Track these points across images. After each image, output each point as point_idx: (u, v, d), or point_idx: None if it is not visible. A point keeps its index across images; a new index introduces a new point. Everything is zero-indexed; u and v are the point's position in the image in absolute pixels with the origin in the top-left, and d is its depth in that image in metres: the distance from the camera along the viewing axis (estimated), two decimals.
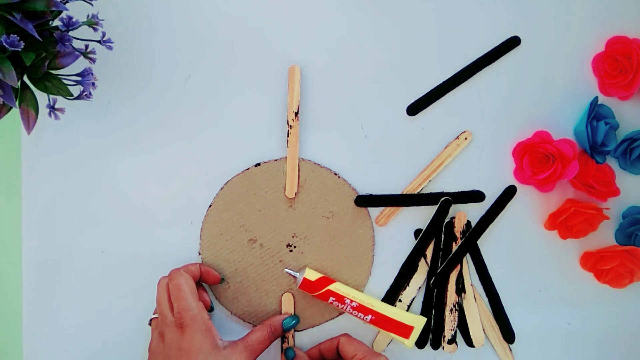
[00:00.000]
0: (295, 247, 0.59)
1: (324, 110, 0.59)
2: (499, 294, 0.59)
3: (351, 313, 0.57)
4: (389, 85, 0.59)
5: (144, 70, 0.59)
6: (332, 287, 0.56)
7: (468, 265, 0.59)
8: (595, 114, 0.58)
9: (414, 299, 0.59)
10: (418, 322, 0.57)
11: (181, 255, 0.59)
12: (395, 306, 0.59)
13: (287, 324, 0.57)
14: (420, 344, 0.59)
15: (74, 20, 0.49)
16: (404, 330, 0.56)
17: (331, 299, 0.56)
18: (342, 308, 0.57)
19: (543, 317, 0.60)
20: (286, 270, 0.58)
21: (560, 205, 0.58)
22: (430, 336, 0.59)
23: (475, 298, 0.59)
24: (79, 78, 0.51)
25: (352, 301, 0.56)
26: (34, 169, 0.59)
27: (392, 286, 0.59)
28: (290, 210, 0.59)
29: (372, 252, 0.59)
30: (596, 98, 0.58)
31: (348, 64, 0.59)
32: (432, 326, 0.59)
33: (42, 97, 0.50)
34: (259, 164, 0.59)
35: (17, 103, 0.49)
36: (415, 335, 0.57)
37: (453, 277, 0.59)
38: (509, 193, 0.59)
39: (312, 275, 0.57)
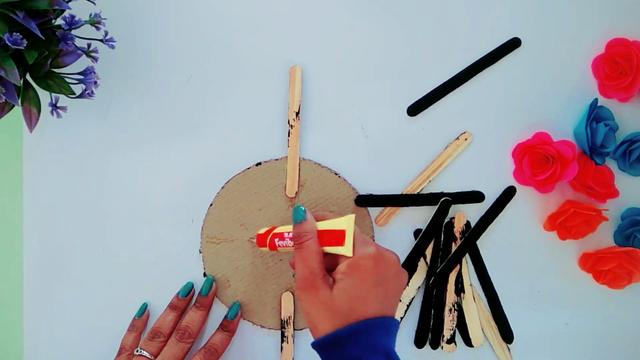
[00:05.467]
0: None
1: (325, 110, 0.59)
2: (498, 294, 0.60)
3: (292, 246, 0.52)
4: (389, 86, 0.59)
5: (146, 69, 0.59)
6: (275, 230, 0.53)
7: (467, 266, 0.59)
8: (595, 115, 0.58)
9: (413, 298, 0.59)
10: (347, 223, 0.49)
11: (182, 254, 0.59)
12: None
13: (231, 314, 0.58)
14: (419, 343, 0.59)
15: (76, 19, 0.49)
16: (338, 238, 0.49)
17: (276, 241, 0.52)
18: (285, 245, 0.52)
19: (541, 317, 0.60)
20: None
21: (559, 207, 0.59)
22: (430, 336, 0.59)
23: (474, 298, 0.59)
24: (81, 77, 0.51)
25: (289, 233, 0.52)
26: (36, 167, 0.59)
27: None
28: (291, 210, 0.59)
29: None
30: (596, 100, 0.58)
31: (349, 64, 0.59)
32: (431, 326, 0.59)
33: (44, 96, 0.51)
34: (259, 164, 0.59)
35: (19, 101, 0.49)
36: (349, 238, 0.49)
37: (452, 277, 0.59)
38: (509, 194, 0.59)
39: (262, 230, 0.54)
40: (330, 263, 0.49)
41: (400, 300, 0.59)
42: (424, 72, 0.59)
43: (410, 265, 0.59)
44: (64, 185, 0.59)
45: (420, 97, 0.59)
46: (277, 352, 0.59)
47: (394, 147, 0.59)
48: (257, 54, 0.59)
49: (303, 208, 0.51)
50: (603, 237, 0.60)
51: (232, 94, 0.59)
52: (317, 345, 0.46)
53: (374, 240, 0.59)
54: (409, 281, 0.59)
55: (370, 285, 0.47)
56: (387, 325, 0.46)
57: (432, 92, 0.59)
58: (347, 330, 0.45)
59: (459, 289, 0.59)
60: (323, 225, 0.50)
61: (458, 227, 0.59)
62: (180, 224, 0.59)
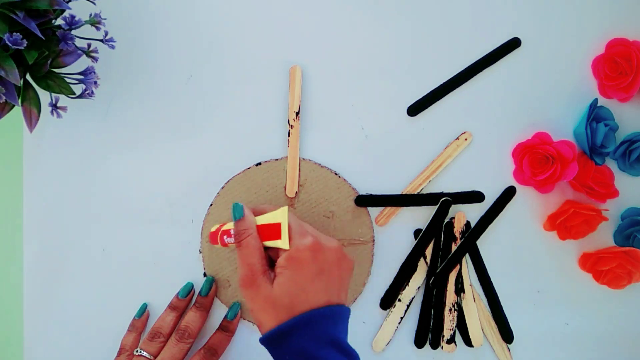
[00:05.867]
0: None
1: (325, 110, 0.59)
2: (498, 294, 0.60)
3: (234, 243, 0.51)
4: (389, 86, 0.59)
5: (145, 69, 0.59)
6: (223, 228, 0.52)
7: (467, 266, 0.59)
8: (595, 115, 0.58)
9: (413, 298, 0.59)
10: (282, 215, 0.49)
11: (182, 254, 0.59)
12: (395, 306, 0.59)
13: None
14: (419, 343, 0.59)
15: (76, 19, 0.49)
16: (275, 232, 0.49)
17: (224, 238, 0.51)
18: (232, 242, 0.51)
19: (541, 317, 0.60)
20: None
21: (559, 207, 0.59)
22: (430, 336, 0.59)
23: (474, 298, 0.59)
24: (81, 77, 0.51)
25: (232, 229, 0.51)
26: (36, 167, 0.59)
27: (391, 286, 0.59)
28: (291, 210, 0.59)
29: (371, 252, 0.59)
30: (596, 100, 0.58)
31: (349, 64, 0.59)
32: (431, 326, 0.59)
33: (44, 96, 0.51)
34: (259, 164, 0.59)
35: (19, 101, 0.49)
36: (284, 231, 0.49)
37: (452, 277, 0.59)
38: (509, 194, 0.59)
39: (213, 227, 0.54)
40: (276, 257, 0.49)
41: (400, 300, 0.59)
42: (424, 72, 0.59)
43: (410, 265, 0.59)
44: (64, 185, 0.59)
45: (420, 97, 0.59)
46: None
47: (394, 147, 0.59)
48: (257, 54, 0.59)
49: (241, 205, 0.50)
50: (603, 237, 0.60)
51: (232, 94, 0.59)
52: (263, 341, 0.46)
53: (373, 240, 0.59)
54: (409, 281, 0.59)
55: (310, 276, 0.47)
56: (333, 314, 0.46)
57: (432, 92, 0.59)
58: (289, 324, 0.45)
59: (459, 289, 0.59)
60: (261, 220, 0.50)
61: (458, 227, 0.59)
62: (180, 224, 0.59)
